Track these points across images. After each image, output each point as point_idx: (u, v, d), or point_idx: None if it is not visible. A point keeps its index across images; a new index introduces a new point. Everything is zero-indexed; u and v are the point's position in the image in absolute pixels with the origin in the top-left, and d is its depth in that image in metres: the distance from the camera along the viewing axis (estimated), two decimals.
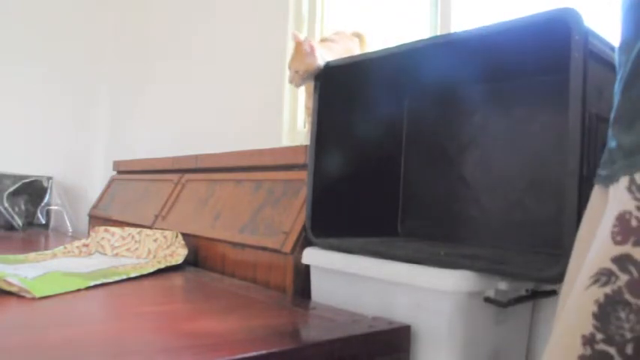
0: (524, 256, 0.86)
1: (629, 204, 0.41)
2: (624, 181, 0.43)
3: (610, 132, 0.48)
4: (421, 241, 1.08)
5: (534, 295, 0.81)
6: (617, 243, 0.41)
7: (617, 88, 0.49)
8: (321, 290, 0.98)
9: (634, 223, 0.40)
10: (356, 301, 0.90)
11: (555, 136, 0.93)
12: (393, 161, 1.18)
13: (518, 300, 0.78)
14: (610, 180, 0.46)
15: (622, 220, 0.41)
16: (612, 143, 0.47)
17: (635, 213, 0.41)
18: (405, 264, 0.83)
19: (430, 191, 1.13)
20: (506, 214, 0.99)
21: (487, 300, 0.77)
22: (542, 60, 0.88)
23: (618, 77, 0.50)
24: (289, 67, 1.07)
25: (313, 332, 0.76)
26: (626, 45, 0.49)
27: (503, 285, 0.76)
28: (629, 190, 0.42)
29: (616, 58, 0.52)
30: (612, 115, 0.48)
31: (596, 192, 0.53)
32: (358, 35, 1.23)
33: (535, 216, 0.95)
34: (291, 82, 1.08)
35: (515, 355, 0.88)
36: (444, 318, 0.77)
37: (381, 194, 1.16)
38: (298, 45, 1.05)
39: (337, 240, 0.98)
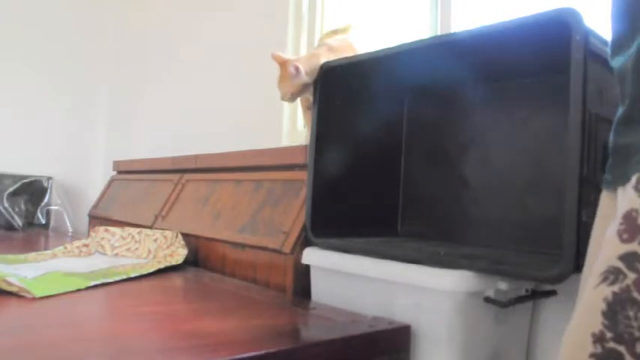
0: (524, 256, 0.86)
1: (635, 202, 0.41)
2: (634, 179, 0.42)
3: (615, 131, 0.48)
4: (421, 241, 1.08)
5: (534, 295, 0.81)
6: (623, 241, 0.41)
7: (625, 87, 0.48)
8: (321, 290, 0.98)
9: None
10: (356, 301, 0.90)
11: (555, 136, 0.93)
12: (393, 161, 1.18)
13: (518, 300, 0.78)
14: (620, 181, 0.45)
15: (628, 218, 0.41)
16: (619, 143, 0.47)
17: None
18: (404, 264, 0.83)
19: (430, 191, 1.13)
20: (506, 214, 0.99)
21: (487, 300, 0.77)
22: (542, 60, 0.88)
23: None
24: (278, 88, 1.07)
25: (313, 332, 0.76)
26: (621, 42, 0.49)
27: (503, 285, 0.76)
28: (636, 188, 0.42)
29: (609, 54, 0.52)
30: (619, 115, 0.48)
31: (604, 197, 0.53)
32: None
33: (535, 216, 0.95)
34: (282, 99, 1.08)
35: (515, 355, 0.88)
36: (443, 318, 0.77)
37: (381, 194, 1.16)
38: (282, 65, 1.05)
39: (337, 240, 0.98)
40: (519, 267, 0.76)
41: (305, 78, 1.03)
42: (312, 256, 0.99)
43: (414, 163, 1.17)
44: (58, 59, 2.51)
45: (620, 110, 0.48)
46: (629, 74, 0.46)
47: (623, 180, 0.45)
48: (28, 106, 2.43)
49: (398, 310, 0.83)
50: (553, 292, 0.82)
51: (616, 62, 0.51)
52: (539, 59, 0.88)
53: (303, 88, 1.06)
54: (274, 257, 1.07)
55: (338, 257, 0.94)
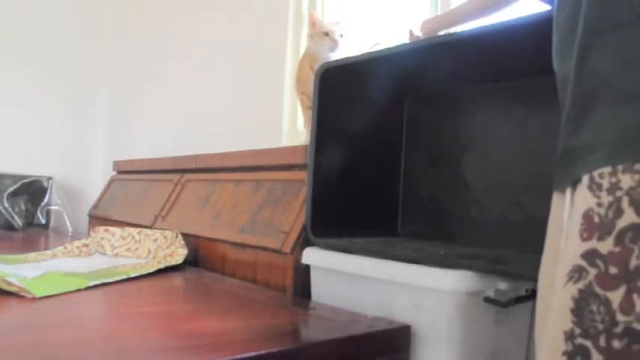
0: (524, 256, 0.86)
1: (590, 201, 0.44)
2: (585, 180, 0.45)
3: (562, 135, 0.50)
4: (421, 241, 1.08)
5: (534, 295, 0.81)
6: (584, 240, 0.43)
7: (567, 89, 0.50)
8: (321, 290, 0.98)
9: (596, 219, 0.43)
10: (356, 301, 0.90)
11: (555, 136, 0.93)
12: (393, 161, 1.18)
13: (518, 300, 0.78)
14: (570, 182, 0.48)
15: (586, 217, 0.43)
16: (566, 146, 0.49)
17: (597, 210, 0.43)
18: (404, 264, 0.83)
19: (430, 191, 1.13)
20: (506, 214, 0.99)
21: (487, 300, 0.77)
22: (542, 60, 0.88)
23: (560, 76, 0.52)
24: (310, 35, 1.20)
25: (313, 332, 0.76)
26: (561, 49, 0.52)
27: (503, 285, 0.76)
28: (590, 188, 0.44)
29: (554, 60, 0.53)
30: (563, 118, 0.50)
31: (555, 199, 0.55)
32: None
33: (535, 216, 0.94)
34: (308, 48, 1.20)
35: (515, 355, 0.88)
36: (443, 318, 0.77)
37: (381, 194, 1.16)
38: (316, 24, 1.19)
39: (337, 240, 0.98)
40: (519, 267, 0.76)
41: (336, 44, 1.15)
42: (312, 256, 0.99)
43: (414, 163, 1.17)
44: (58, 59, 2.51)
45: (564, 114, 0.50)
46: (571, 81, 0.49)
47: (574, 181, 0.47)
48: (28, 106, 2.43)
49: (398, 310, 0.83)
50: None
51: (559, 69, 0.54)
52: (539, 59, 0.88)
53: (326, 50, 1.16)
54: (274, 257, 1.07)
55: (338, 257, 0.94)
